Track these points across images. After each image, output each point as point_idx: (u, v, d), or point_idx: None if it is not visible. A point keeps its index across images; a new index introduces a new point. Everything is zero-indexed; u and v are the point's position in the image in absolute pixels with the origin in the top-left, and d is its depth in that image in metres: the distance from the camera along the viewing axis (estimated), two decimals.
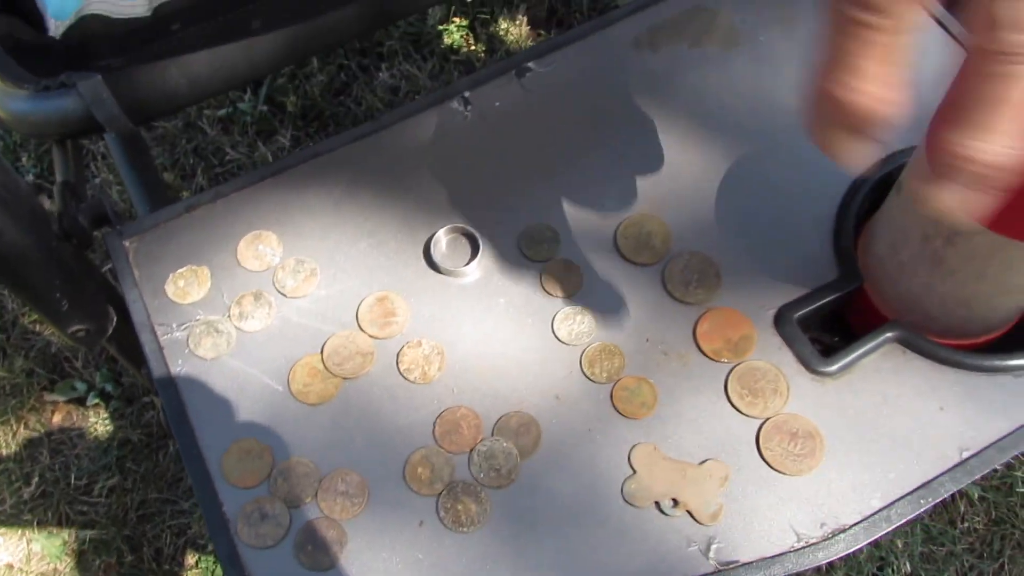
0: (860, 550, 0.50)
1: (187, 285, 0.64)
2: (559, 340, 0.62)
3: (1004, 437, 0.56)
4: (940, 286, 0.56)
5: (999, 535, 1.21)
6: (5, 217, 0.58)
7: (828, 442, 0.57)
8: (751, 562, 0.54)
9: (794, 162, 0.67)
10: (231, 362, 0.62)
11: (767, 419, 0.58)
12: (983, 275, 0.54)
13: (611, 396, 0.60)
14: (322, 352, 0.62)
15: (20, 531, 1.32)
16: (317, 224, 0.67)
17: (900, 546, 1.17)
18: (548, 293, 0.64)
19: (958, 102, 0.34)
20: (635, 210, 0.66)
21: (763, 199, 0.66)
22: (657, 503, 0.56)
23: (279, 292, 0.64)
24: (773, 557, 0.54)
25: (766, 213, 0.65)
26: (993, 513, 1.21)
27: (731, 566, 0.54)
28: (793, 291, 0.62)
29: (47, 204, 1.40)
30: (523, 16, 1.54)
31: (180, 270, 0.65)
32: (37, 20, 0.76)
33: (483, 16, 1.56)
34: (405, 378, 0.61)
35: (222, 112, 1.52)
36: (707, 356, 0.60)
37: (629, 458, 0.58)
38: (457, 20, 1.57)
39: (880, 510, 0.55)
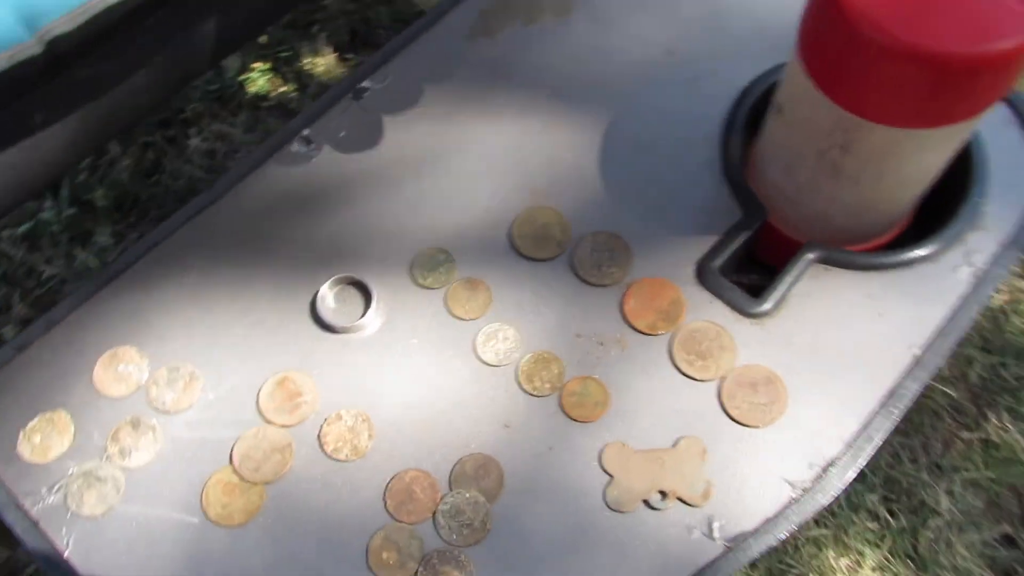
0: (856, 478, 0.49)
1: (45, 439, 0.54)
2: (488, 364, 0.56)
3: (945, 323, 0.56)
4: (845, 196, 0.55)
5: (916, 407, 1.26)
6: None
7: (788, 381, 0.55)
8: (757, 528, 0.51)
9: (660, 114, 0.64)
10: (127, 509, 0.52)
11: (723, 377, 0.55)
12: (882, 174, 0.53)
13: (561, 406, 0.55)
14: (232, 462, 0.53)
15: None
16: (178, 321, 0.58)
17: None
18: (460, 318, 0.58)
19: None
20: (523, 206, 0.61)
21: (645, 159, 0.63)
22: (645, 501, 0.52)
23: (159, 411, 0.55)
24: (776, 516, 0.51)
25: (652, 172, 0.62)
26: None
27: (740, 540, 0.50)
28: (705, 242, 0.59)
29: None
30: (325, 44, 1.46)
31: (31, 423, 0.54)
32: None
33: (284, 55, 1.46)
34: (335, 459, 0.54)
35: (24, 228, 1.35)
36: (643, 333, 0.57)
37: (601, 464, 0.53)
38: (258, 65, 1.47)
39: (859, 431, 0.53)
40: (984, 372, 1.25)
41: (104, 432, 0.54)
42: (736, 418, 0.54)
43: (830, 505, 0.50)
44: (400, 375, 0.56)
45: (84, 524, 0.52)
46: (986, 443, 1.21)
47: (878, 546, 1.14)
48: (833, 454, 0.52)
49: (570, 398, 0.55)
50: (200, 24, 0.68)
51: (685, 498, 0.52)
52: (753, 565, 1.12)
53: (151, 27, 0.59)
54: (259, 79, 1.48)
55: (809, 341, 0.56)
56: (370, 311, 0.57)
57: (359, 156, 0.63)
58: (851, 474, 0.51)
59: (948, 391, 1.24)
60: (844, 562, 1.14)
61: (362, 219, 0.61)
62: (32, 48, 0.50)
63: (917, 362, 0.54)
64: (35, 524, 0.51)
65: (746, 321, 0.57)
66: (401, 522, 0.52)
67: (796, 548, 1.14)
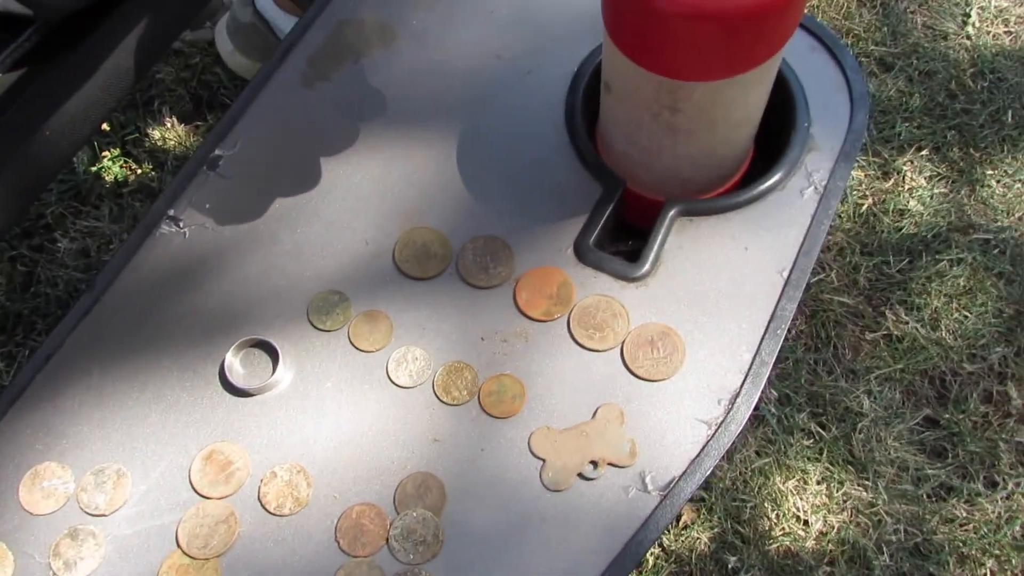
0: (761, 400, 0.53)
1: None
2: (404, 387, 0.59)
3: (803, 242, 0.61)
4: (687, 150, 0.59)
5: (820, 323, 1.34)
6: None
7: (680, 331, 0.59)
8: (685, 471, 0.54)
9: (505, 114, 0.67)
10: None
11: (622, 343, 0.59)
12: (714, 122, 0.57)
13: (482, 407, 0.57)
14: (179, 544, 0.54)
15: None
16: (92, 425, 0.58)
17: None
18: (367, 351, 0.60)
19: None
20: (399, 231, 0.63)
21: (501, 159, 0.66)
22: (579, 474, 0.55)
23: (94, 516, 0.55)
24: (699, 455, 0.55)
25: (511, 170, 0.65)
26: (807, 310, 1.34)
27: (672, 487, 0.54)
28: (576, 223, 0.63)
29: None
30: (170, 116, 1.44)
31: None
32: None
33: (131, 137, 1.44)
34: (280, 515, 0.55)
35: None
36: (541, 320, 0.60)
37: (532, 451, 0.56)
38: (108, 153, 1.44)
39: (753, 359, 0.57)
40: (870, 274, 1.33)
41: (44, 551, 0.54)
42: (643, 376, 0.57)
43: (743, 431, 0.54)
44: (323, 419, 0.57)
45: None
46: (889, 339, 1.30)
47: (817, 460, 1.21)
48: (735, 386, 0.56)
49: (488, 398, 0.58)
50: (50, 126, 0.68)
51: (615, 461, 0.55)
52: (710, 509, 1.18)
53: None
54: (113, 167, 1.45)
55: (690, 290, 0.60)
56: (279, 367, 0.58)
57: (230, 222, 0.64)
58: (755, 398, 0.56)
59: (843, 299, 1.32)
60: (791, 483, 1.21)
61: (249, 281, 0.62)
62: None
63: (787, 283, 0.59)
64: None
65: (631, 286, 0.61)
66: (357, 556, 0.53)
67: (745, 483, 1.20)
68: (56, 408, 0.58)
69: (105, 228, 1.41)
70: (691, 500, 1.08)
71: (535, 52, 0.69)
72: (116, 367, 0.59)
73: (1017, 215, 1.39)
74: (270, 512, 0.55)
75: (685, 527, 1.15)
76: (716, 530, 1.15)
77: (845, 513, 1.21)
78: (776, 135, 0.66)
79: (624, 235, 0.68)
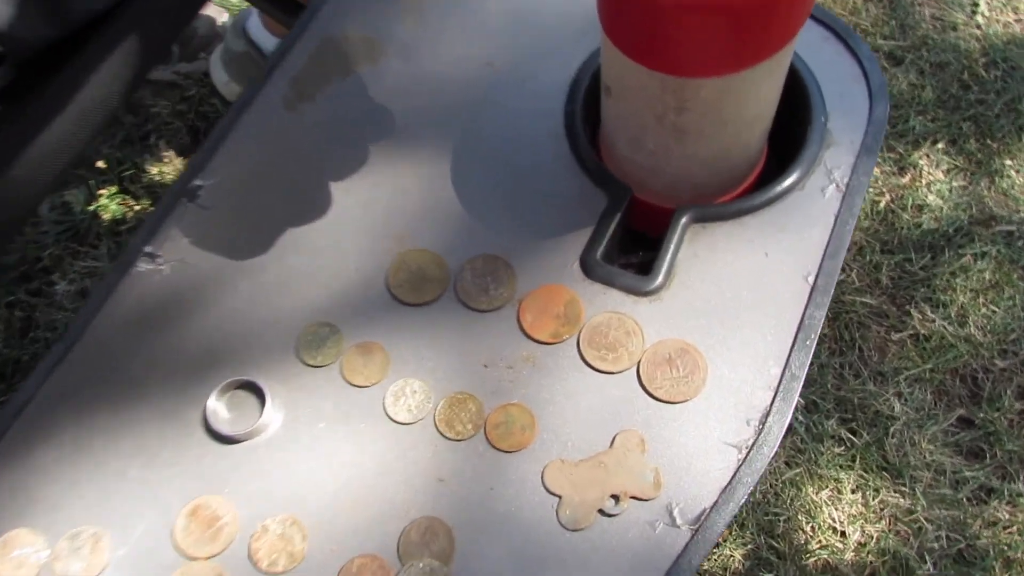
0: (793, 420, 0.48)
1: None
2: (404, 424, 0.54)
3: (828, 244, 0.56)
4: (696, 150, 0.55)
5: (843, 324, 1.29)
6: None
7: (701, 347, 0.54)
8: (716, 501, 0.49)
9: (500, 125, 0.63)
10: None
11: (638, 362, 0.54)
12: (725, 120, 0.53)
13: (489, 441, 0.53)
14: None
15: None
16: (65, 485, 0.53)
17: None
18: (361, 387, 0.55)
19: None
20: (392, 255, 0.59)
21: (498, 173, 0.61)
22: (600, 510, 0.50)
23: None
24: (730, 483, 0.50)
25: (509, 184, 0.61)
26: (829, 313, 1.29)
27: (703, 519, 0.49)
28: (581, 236, 0.58)
29: None
30: (167, 150, 1.41)
31: None
32: None
33: (127, 173, 1.41)
34: (273, 573, 0.50)
35: None
36: (548, 343, 0.55)
37: (546, 486, 0.51)
38: (105, 191, 1.41)
39: (782, 373, 0.52)
40: (892, 272, 1.28)
41: None
42: (662, 398, 0.53)
43: (776, 453, 0.49)
44: (317, 464, 0.53)
45: None
46: (916, 338, 1.24)
47: (850, 467, 1.16)
48: (765, 403, 0.51)
49: (495, 431, 0.53)
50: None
51: (638, 494, 0.50)
52: (742, 525, 1.12)
53: None
54: (110, 204, 1.42)
55: (708, 302, 0.55)
56: (266, 409, 0.54)
57: (211, 256, 0.59)
58: (788, 417, 0.51)
59: (866, 299, 1.27)
60: (825, 493, 1.15)
61: (232, 318, 0.57)
62: None
63: (814, 289, 0.54)
64: None
65: (644, 301, 0.56)
66: None
67: (776, 495, 1.14)
68: (26, 469, 0.54)
69: (104, 268, 1.37)
70: None
71: (529, 59, 0.65)
72: (91, 419, 0.55)
73: None
74: (262, 571, 0.50)
75: (717, 545, 1.09)
76: (750, 546, 1.10)
77: (883, 522, 1.15)
78: (791, 132, 0.61)
79: (633, 246, 0.63)
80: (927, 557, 1.10)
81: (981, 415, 1.20)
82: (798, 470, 1.14)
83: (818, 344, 1.27)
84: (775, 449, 0.50)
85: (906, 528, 1.13)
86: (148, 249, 0.60)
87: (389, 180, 0.62)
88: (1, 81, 0.71)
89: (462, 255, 0.59)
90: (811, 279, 0.55)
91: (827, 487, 1.13)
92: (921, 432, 1.20)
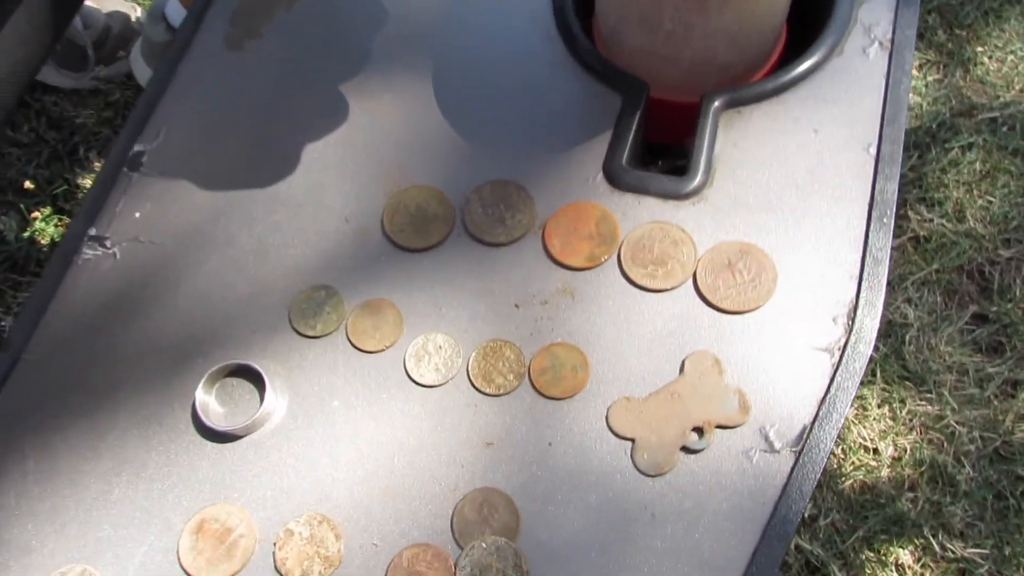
0: (885, 309, 0.41)
1: None
2: (432, 386, 0.45)
3: (883, 109, 0.49)
4: (721, 22, 0.47)
5: None
6: None
7: (763, 245, 0.46)
8: (816, 415, 0.42)
9: (483, 33, 0.55)
10: None
11: (693, 274, 0.46)
12: None
13: (537, 390, 0.45)
14: None
15: None
16: (38, 520, 0.44)
17: None
18: (374, 351, 0.46)
19: None
20: (384, 198, 0.50)
21: (490, 88, 0.53)
22: (683, 447, 0.42)
23: None
24: (828, 392, 0.42)
25: (505, 98, 0.53)
26: None
27: (805, 438, 0.41)
28: (599, 144, 0.50)
29: None
30: (100, 161, 1.30)
31: None
32: None
33: (60, 191, 1.29)
34: None
35: None
36: (585, 268, 0.47)
37: (614, 431, 0.43)
38: (38, 213, 1.29)
39: (863, 258, 0.45)
40: None
41: None
42: (729, 309, 0.45)
43: (875, 350, 0.42)
44: (337, 449, 0.44)
45: None
46: (916, 240, 1.20)
47: (872, 382, 1.10)
48: (850, 296, 0.44)
49: (542, 377, 0.45)
50: None
51: (724, 422, 0.42)
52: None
53: None
54: (47, 228, 1.30)
55: (760, 194, 0.48)
56: (267, 395, 0.45)
57: (169, 230, 0.50)
58: (880, 308, 0.44)
59: None
60: (850, 412, 1.10)
61: (206, 298, 0.48)
62: None
63: (879, 159, 0.47)
64: None
65: (685, 204, 0.48)
66: None
67: None
68: None
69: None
70: None
71: None
72: (56, 439, 0.45)
73: (1018, 87, 1.29)
74: None
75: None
76: None
77: (914, 432, 1.10)
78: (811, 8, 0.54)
79: (649, 157, 0.55)
80: (964, 461, 1.05)
81: (994, 309, 1.16)
82: None
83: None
84: (872, 346, 0.43)
85: (938, 435, 1.08)
86: (92, 232, 0.50)
87: (365, 116, 0.53)
88: None
89: (465, 186, 0.50)
90: (873, 150, 0.47)
91: (852, 405, 1.08)
92: (937, 335, 1.15)
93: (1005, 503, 0.99)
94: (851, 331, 0.43)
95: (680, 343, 0.44)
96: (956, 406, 1.08)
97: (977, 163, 1.23)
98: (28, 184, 1.35)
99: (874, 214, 0.45)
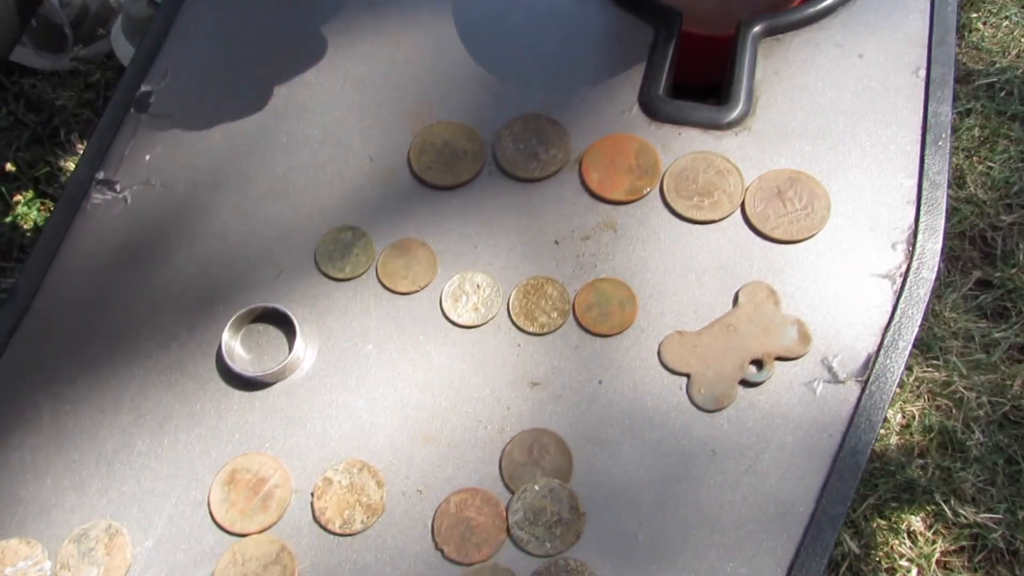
0: (945, 227, 0.39)
1: None
2: (472, 327, 0.43)
3: (930, 30, 0.47)
4: None
5: None
6: None
7: (813, 173, 0.44)
8: (881, 343, 0.40)
9: None
10: None
11: (741, 204, 0.44)
12: None
13: (583, 327, 0.42)
14: None
15: None
16: (55, 476, 0.41)
17: None
18: (408, 293, 0.44)
19: None
20: (410, 136, 0.48)
21: (517, 22, 0.50)
22: (742, 381, 0.40)
23: None
24: (892, 319, 0.40)
25: (532, 31, 0.50)
26: None
27: (871, 367, 0.39)
28: (632, 76, 0.48)
29: None
30: (81, 143, 1.25)
31: None
32: None
33: (43, 173, 1.25)
34: (350, 535, 0.39)
35: None
36: (627, 201, 0.45)
37: (667, 367, 0.41)
38: (20, 197, 1.24)
39: (919, 183, 0.43)
40: None
41: None
42: (782, 238, 0.43)
43: (939, 276, 0.40)
44: (375, 394, 0.41)
45: None
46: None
47: None
48: (909, 221, 0.42)
49: (589, 314, 0.42)
50: None
51: (783, 354, 0.40)
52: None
53: None
54: (29, 212, 1.26)
55: (806, 120, 0.46)
56: (297, 340, 0.42)
57: (182, 172, 0.47)
58: (941, 232, 0.42)
59: None
60: None
61: (223, 241, 0.45)
62: None
63: (930, 82, 0.45)
64: None
65: (728, 134, 0.46)
66: (473, 563, 0.38)
67: None
68: (5, 469, 0.41)
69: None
70: None
71: None
72: (72, 392, 0.42)
73: (1014, 52, 1.29)
74: (335, 532, 0.38)
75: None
76: None
77: (922, 399, 1.09)
78: None
79: (680, 96, 0.53)
80: (973, 426, 1.05)
81: (998, 274, 1.15)
82: None
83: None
84: (936, 271, 0.41)
85: (946, 401, 1.07)
86: (100, 176, 0.47)
87: (386, 50, 0.50)
88: None
89: (495, 121, 0.48)
90: (922, 73, 0.46)
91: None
92: (941, 302, 1.14)
93: (1016, 467, 0.99)
94: (912, 256, 0.41)
95: (732, 275, 0.42)
96: (964, 371, 1.07)
97: (976, 129, 1.23)
98: (9, 166, 1.30)
99: (928, 137, 0.44)
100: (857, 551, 0.96)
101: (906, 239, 0.42)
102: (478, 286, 0.43)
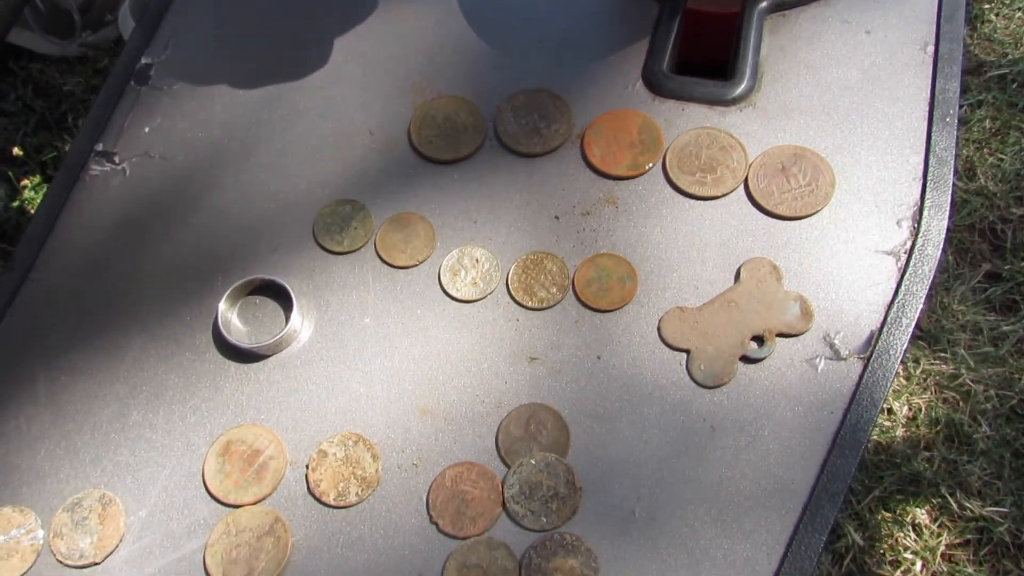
0: (953, 203, 0.38)
1: None
2: (470, 301, 0.43)
3: (939, 5, 0.46)
4: None
5: None
6: None
7: (818, 149, 0.44)
8: (884, 320, 0.39)
9: None
10: None
11: (744, 180, 0.43)
12: None
13: (583, 302, 0.42)
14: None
15: None
16: (50, 444, 0.41)
17: None
18: (406, 267, 0.44)
19: None
20: (410, 109, 0.47)
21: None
22: (742, 357, 0.40)
23: (81, 567, 0.38)
24: (896, 296, 0.40)
25: (534, 5, 0.50)
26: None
27: (874, 344, 0.39)
28: (636, 51, 0.48)
29: None
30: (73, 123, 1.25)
31: None
32: None
33: (50, 157, 1.25)
34: (344, 507, 0.38)
35: None
36: (629, 177, 0.44)
37: (667, 342, 0.40)
38: (27, 182, 1.24)
39: (925, 160, 0.42)
40: None
41: None
42: (785, 214, 0.42)
43: (944, 253, 0.40)
44: (371, 368, 0.41)
45: None
46: None
47: None
48: (914, 198, 0.42)
49: (588, 289, 0.42)
50: None
51: (785, 330, 0.40)
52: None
53: None
54: (37, 197, 1.26)
55: (812, 97, 0.45)
56: (293, 312, 0.42)
57: (181, 144, 0.47)
58: (947, 211, 0.41)
59: None
60: None
61: (222, 213, 0.45)
62: None
63: (938, 58, 0.44)
64: None
65: (732, 110, 0.45)
66: (468, 536, 0.37)
67: None
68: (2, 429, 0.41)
69: None
70: None
71: None
72: (68, 362, 0.42)
73: None
74: (330, 505, 0.38)
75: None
76: None
77: (929, 392, 1.08)
78: None
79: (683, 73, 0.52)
80: (980, 419, 1.04)
81: (1007, 267, 1.14)
82: None
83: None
84: (941, 249, 0.40)
85: (953, 394, 1.06)
86: (99, 147, 0.47)
87: (388, 24, 0.50)
88: None
89: (496, 95, 0.47)
90: (930, 49, 0.45)
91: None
92: (950, 294, 1.13)
93: (1023, 461, 0.98)
94: (918, 233, 0.40)
95: (734, 251, 0.42)
96: (972, 364, 1.06)
97: (987, 121, 1.21)
98: (16, 150, 1.31)
99: (936, 114, 0.43)
100: (862, 543, 0.95)
101: (911, 216, 0.41)
102: (477, 260, 0.43)
